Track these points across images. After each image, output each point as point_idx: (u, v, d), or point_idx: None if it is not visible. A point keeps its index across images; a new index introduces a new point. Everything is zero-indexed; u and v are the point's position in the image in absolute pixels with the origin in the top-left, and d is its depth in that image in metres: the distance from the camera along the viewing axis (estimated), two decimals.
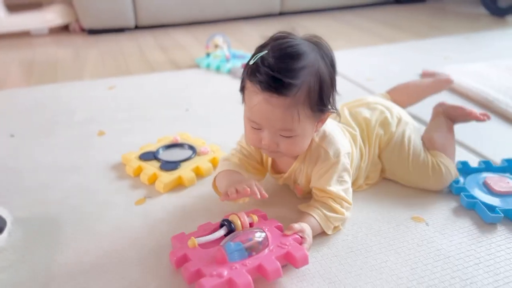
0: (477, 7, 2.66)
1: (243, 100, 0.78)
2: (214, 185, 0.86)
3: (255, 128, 0.76)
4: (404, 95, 1.12)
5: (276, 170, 0.89)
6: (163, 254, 0.75)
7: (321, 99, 0.74)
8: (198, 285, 0.63)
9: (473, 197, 0.87)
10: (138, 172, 0.97)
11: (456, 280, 0.70)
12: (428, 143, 0.96)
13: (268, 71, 0.69)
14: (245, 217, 0.74)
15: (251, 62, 0.73)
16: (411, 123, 0.98)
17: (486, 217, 0.83)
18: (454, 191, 0.91)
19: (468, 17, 2.53)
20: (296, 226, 0.74)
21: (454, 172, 0.92)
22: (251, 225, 0.75)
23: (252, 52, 0.76)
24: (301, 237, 0.73)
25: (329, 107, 0.77)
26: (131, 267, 0.73)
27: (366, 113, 0.94)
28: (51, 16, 2.21)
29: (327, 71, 0.74)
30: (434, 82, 1.21)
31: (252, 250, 0.68)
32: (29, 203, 0.90)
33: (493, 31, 2.22)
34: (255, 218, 0.76)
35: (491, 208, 0.84)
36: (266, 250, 0.69)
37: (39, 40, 2.16)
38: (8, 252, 0.76)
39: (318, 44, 0.76)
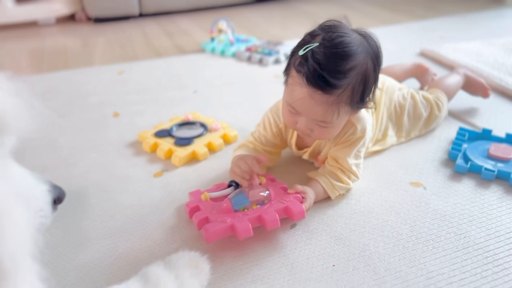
0: None
1: (286, 82, 0.81)
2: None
3: (292, 112, 0.80)
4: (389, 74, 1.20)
5: (300, 146, 0.94)
6: (181, 219, 0.82)
7: (362, 97, 0.78)
8: (204, 229, 0.71)
9: (468, 159, 0.94)
10: (154, 148, 1.04)
11: (451, 235, 0.77)
12: (436, 83, 1.13)
13: (316, 67, 0.71)
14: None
15: (301, 53, 0.74)
16: (398, 87, 1.05)
17: (482, 174, 0.91)
18: (451, 156, 0.97)
19: None
20: (299, 187, 0.81)
21: (446, 106, 1.09)
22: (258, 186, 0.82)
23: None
24: (302, 197, 0.80)
25: (368, 101, 0.81)
26: (154, 230, 0.80)
27: None
28: (58, 6, 2.27)
29: (373, 69, 0.77)
30: (414, 66, 1.27)
31: (255, 203, 0.76)
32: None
33: (489, 11, 2.26)
34: (263, 179, 0.84)
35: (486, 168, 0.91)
36: (268, 205, 0.77)
37: (46, 30, 2.22)
38: None
39: (367, 39, 0.77)
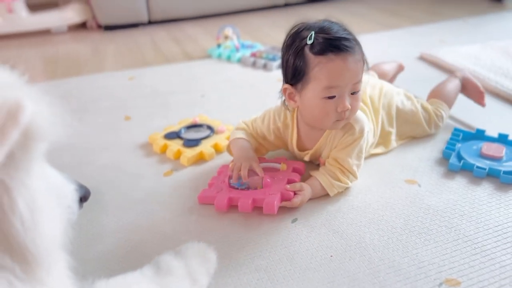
0: None
1: (306, 84, 0.86)
2: (229, 148, 1.01)
3: (329, 99, 0.85)
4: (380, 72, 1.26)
5: (301, 148, 0.99)
6: (190, 214, 0.88)
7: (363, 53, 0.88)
8: (199, 196, 0.90)
9: (461, 158, 0.99)
10: (164, 149, 1.10)
11: (442, 228, 0.82)
12: (435, 93, 1.16)
13: (334, 36, 0.84)
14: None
15: (309, 42, 0.84)
16: (396, 92, 1.10)
17: (474, 172, 0.96)
18: (445, 155, 1.02)
19: (467, 3, 2.61)
20: (297, 185, 0.88)
21: (446, 116, 1.13)
22: (276, 171, 0.96)
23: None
24: (295, 193, 0.87)
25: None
26: (164, 225, 0.86)
27: (368, 91, 1.05)
28: (70, 15, 2.35)
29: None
30: (397, 66, 1.36)
31: (249, 187, 0.91)
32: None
33: (490, 15, 2.30)
34: (284, 166, 0.95)
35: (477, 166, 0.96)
36: (257, 191, 0.89)
37: (59, 38, 2.30)
38: None
39: (337, 22, 0.90)
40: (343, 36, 0.84)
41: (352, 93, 0.86)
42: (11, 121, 0.38)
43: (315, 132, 0.95)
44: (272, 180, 0.91)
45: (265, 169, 0.94)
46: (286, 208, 0.88)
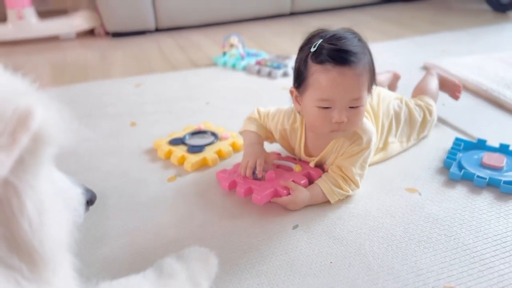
0: (480, 3, 2.75)
1: (305, 90, 0.88)
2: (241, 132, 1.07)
3: (324, 108, 0.85)
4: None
5: (308, 154, 1.01)
6: (193, 220, 0.90)
7: (372, 74, 0.88)
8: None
9: (462, 167, 1.00)
10: (168, 155, 1.12)
11: (441, 237, 0.83)
12: (421, 90, 1.21)
13: (335, 47, 0.82)
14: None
15: (313, 49, 0.85)
16: (393, 96, 1.13)
17: (474, 181, 0.97)
18: (446, 164, 1.03)
19: (471, 13, 2.63)
20: (292, 184, 0.91)
21: (435, 111, 1.17)
22: (289, 170, 0.99)
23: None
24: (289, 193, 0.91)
25: (373, 85, 0.90)
26: (168, 229, 0.87)
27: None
28: (78, 22, 2.39)
29: (370, 55, 0.88)
30: (392, 75, 1.39)
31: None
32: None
33: (493, 26, 2.32)
34: (298, 168, 0.99)
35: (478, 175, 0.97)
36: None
37: (67, 44, 2.34)
38: None
39: (355, 33, 0.89)
40: (348, 49, 0.83)
41: (352, 107, 0.85)
42: (21, 127, 0.40)
43: (322, 140, 0.96)
44: (276, 176, 0.95)
45: (279, 166, 0.99)
46: (288, 215, 0.89)
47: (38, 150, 0.45)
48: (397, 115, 1.09)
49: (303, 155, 1.01)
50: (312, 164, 1.00)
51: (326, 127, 0.88)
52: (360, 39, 0.87)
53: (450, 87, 1.27)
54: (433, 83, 1.25)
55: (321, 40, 0.85)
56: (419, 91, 1.23)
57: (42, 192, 0.46)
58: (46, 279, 0.47)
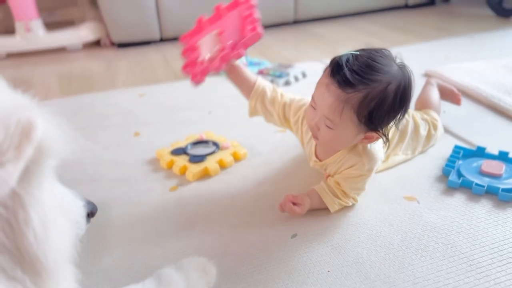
0: (483, 8, 2.75)
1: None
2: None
3: (312, 107, 0.86)
4: None
5: (317, 155, 0.99)
6: (192, 229, 0.91)
7: (370, 114, 0.80)
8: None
9: (461, 175, 1.01)
10: (170, 165, 1.14)
11: (439, 245, 0.83)
12: (425, 103, 1.21)
13: (342, 64, 0.79)
14: None
15: (341, 53, 0.82)
16: None
17: (473, 189, 0.97)
18: (445, 172, 1.04)
19: (475, 19, 2.63)
20: (299, 199, 0.91)
21: (441, 126, 1.16)
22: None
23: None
24: (295, 203, 0.90)
25: (378, 129, 0.84)
26: (168, 239, 0.89)
27: None
28: (85, 33, 2.43)
29: (392, 99, 0.80)
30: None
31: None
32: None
33: (496, 31, 2.31)
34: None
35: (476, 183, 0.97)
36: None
37: (74, 55, 2.38)
38: None
39: (402, 70, 0.83)
40: (353, 68, 0.78)
41: (327, 126, 0.83)
42: (25, 139, 0.42)
43: (329, 149, 0.94)
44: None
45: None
46: (286, 224, 0.91)
47: (41, 161, 0.46)
48: (403, 128, 1.07)
49: (313, 156, 1.00)
50: (311, 165, 1.01)
51: (309, 125, 0.89)
52: (390, 82, 0.80)
53: (450, 96, 1.28)
54: (435, 94, 1.24)
55: (357, 53, 0.81)
56: (423, 104, 1.22)
57: (45, 204, 0.47)
58: None
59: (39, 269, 0.47)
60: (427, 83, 1.29)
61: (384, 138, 0.86)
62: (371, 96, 0.79)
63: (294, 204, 0.90)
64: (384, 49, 0.85)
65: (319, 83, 0.85)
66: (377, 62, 0.80)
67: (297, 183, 1.05)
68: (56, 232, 0.49)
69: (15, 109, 0.44)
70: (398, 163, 1.09)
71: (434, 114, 1.16)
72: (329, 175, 0.97)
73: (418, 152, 1.12)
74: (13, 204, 0.43)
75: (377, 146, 0.91)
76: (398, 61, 0.84)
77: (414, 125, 1.10)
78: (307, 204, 0.91)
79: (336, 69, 0.80)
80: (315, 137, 0.89)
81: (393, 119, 0.85)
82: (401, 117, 0.85)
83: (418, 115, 1.13)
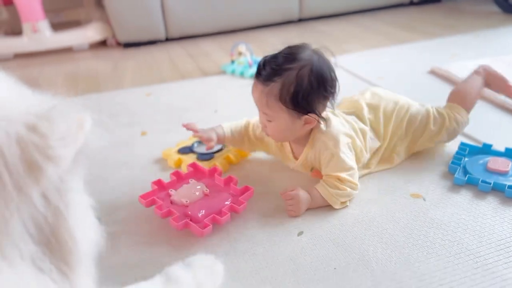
0: (489, 5, 2.74)
1: None
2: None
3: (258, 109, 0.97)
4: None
5: (294, 156, 1.04)
6: None
7: (293, 99, 0.89)
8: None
9: (467, 172, 1.01)
10: (178, 164, 1.15)
11: (445, 242, 0.84)
12: (457, 96, 1.13)
13: (261, 63, 0.92)
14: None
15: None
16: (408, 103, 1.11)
17: (479, 186, 0.97)
18: (451, 170, 1.04)
19: (481, 15, 2.62)
20: (292, 193, 0.93)
21: (465, 122, 1.11)
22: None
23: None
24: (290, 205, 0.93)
25: (310, 111, 0.91)
26: (175, 238, 0.90)
27: (382, 103, 1.08)
28: (91, 33, 2.45)
29: (308, 80, 0.89)
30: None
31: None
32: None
33: (503, 28, 2.30)
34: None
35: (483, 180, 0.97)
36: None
37: (80, 55, 2.40)
38: None
39: (319, 56, 0.92)
40: (270, 65, 0.90)
41: (268, 120, 0.94)
42: (80, 128, 0.47)
43: (297, 144, 1.02)
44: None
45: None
46: (293, 221, 0.91)
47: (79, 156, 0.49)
48: (411, 118, 1.06)
49: (291, 157, 1.04)
50: (300, 168, 1.05)
51: (261, 125, 1.00)
52: (304, 66, 0.89)
53: (500, 86, 1.16)
54: (471, 87, 1.14)
55: (274, 53, 0.93)
56: (452, 97, 1.14)
57: (78, 193, 0.51)
58: (73, 283, 0.50)
59: (70, 259, 0.49)
60: (473, 73, 1.18)
61: (320, 119, 0.94)
62: (288, 82, 0.89)
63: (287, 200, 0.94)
64: (303, 43, 0.94)
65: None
66: (289, 54, 0.91)
67: (306, 178, 1.05)
68: (88, 225, 0.53)
69: (66, 108, 0.48)
70: (401, 160, 1.09)
71: (460, 110, 1.09)
72: (316, 173, 1.01)
73: (423, 146, 1.10)
74: (58, 189, 0.46)
75: (334, 124, 0.97)
76: (313, 48, 0.93)
77: (426, 119, 1.07)
78: (299, 198, 0.92)
79: (258, 70, 0.93)
80: (266, 133, 0.99)
81: (321, 99, 0.93)
82: (330, 95, 0.93)
83: (433, 109, 1.09)
